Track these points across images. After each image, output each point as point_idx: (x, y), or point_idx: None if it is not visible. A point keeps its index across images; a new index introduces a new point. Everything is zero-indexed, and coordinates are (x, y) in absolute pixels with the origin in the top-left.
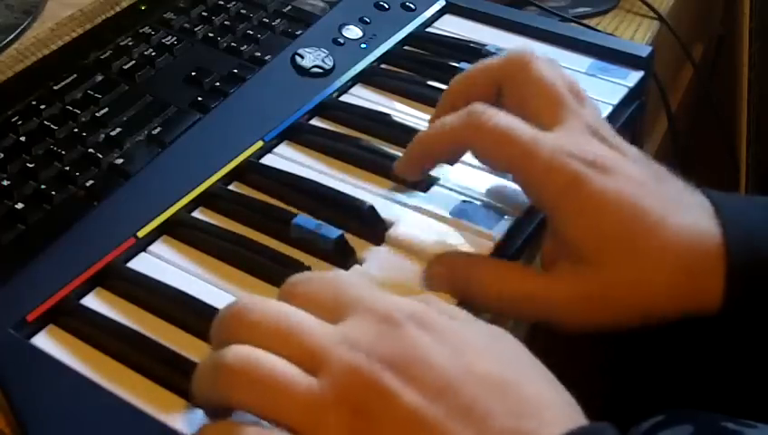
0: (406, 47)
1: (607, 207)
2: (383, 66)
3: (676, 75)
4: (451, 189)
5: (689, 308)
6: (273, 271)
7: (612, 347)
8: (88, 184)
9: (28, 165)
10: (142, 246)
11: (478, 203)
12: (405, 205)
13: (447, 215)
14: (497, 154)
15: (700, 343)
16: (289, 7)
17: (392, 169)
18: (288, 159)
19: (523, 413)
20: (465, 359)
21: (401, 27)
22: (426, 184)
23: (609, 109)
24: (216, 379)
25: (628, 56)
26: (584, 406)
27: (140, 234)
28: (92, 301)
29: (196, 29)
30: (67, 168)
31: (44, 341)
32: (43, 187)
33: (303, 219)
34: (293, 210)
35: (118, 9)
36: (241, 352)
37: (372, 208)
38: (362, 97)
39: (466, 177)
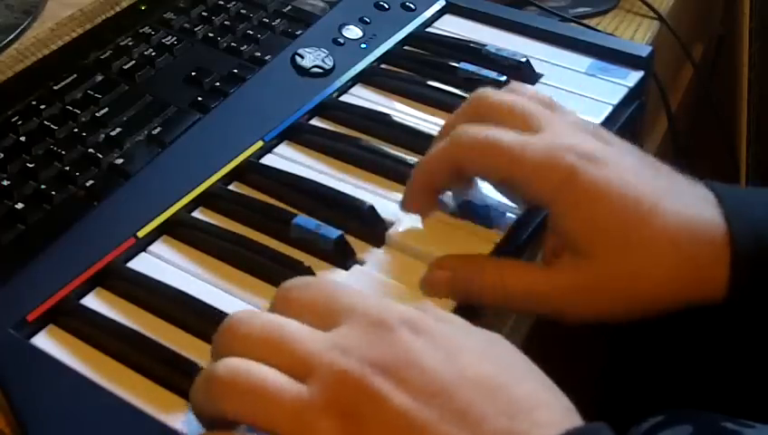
0: (406, 47)
1: (601, 198)
2: (383, 66)
3: (676, 75)
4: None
5: (693, 298)
6: (273, 271)
7: (611, 348)
8: (88, 184)
9: (28, 165)
10: (142, 246)
11: (478, 203)
12: None
13: (448, 215)
14: (487, 165)
15: (699, 343)
16: (289, 7)
17: (393, 174)
18: (288, 159)
19: (516, 414)
20: (459, 363)
21: (401, 27)
22: None
23: (609, 109)
24: (208, 391)
25: (628, 56)
26: (582, 410)
27: (140, 234)
28: (92, 301)
29: (196, 29)
30: (67, 168)
31: (44, 341)
32: (43, 187)
33: (303, 219)
34: (293, 210)
35: (118, 9)
36: (231, 363)
37: (372, 208)
38: (362, 97)
39: None
